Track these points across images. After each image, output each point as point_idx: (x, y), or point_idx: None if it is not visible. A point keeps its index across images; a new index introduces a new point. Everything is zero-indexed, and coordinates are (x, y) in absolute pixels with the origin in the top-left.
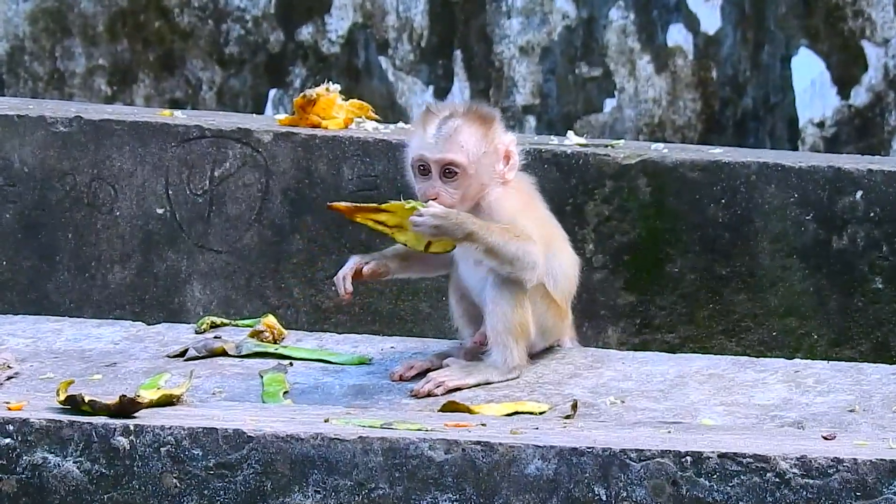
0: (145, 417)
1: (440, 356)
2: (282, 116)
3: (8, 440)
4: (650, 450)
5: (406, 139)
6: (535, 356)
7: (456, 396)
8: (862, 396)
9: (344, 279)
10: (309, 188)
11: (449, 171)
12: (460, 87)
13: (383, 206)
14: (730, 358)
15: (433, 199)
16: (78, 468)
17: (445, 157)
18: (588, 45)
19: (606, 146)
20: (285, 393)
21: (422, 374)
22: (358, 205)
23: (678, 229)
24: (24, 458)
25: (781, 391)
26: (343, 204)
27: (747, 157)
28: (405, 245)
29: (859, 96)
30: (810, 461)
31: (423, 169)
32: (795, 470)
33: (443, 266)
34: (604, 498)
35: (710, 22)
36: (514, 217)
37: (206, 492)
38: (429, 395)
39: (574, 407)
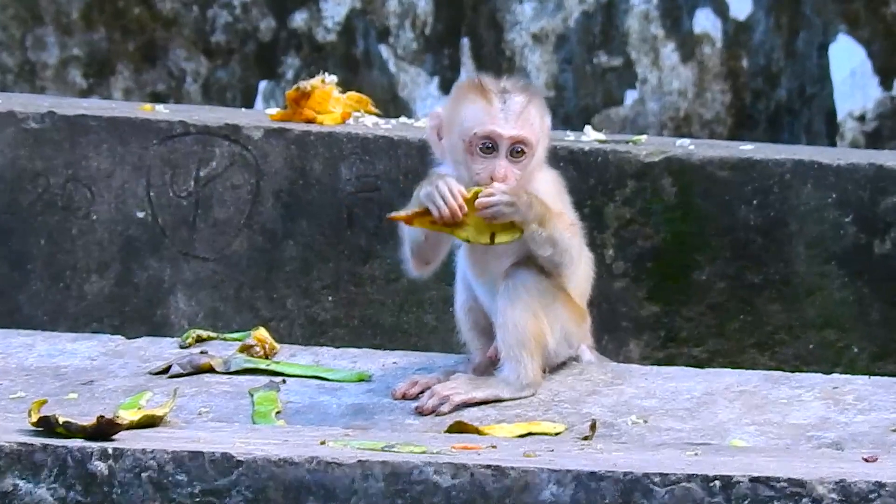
0: (125, 440)
1: (447, 372)
2: (273, 111)
3: None
4: (676, 473)
5: (445, 115)
6: (551, 370)
7: (464, 416)
8: None
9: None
10: (303, 189)
11: (517, 151)
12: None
13: None
14: (762, 373)
15: (500, 181)
16: (52, 496)
17: (520, 134)
18: (607, 33)
19: (628, 142)
20: (278, 413)
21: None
22: (416, 210)
23: (706, 233)
24: None
25: (819, 409)
26: (402, 214)
27: (781, 155)
28: (467, 241)
29: None
30: (850, 486)
31: (488, 147)
32: (834, 495)
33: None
34: None
35: (741, 6)
36: (556, 203)
37: None
38: (434, 412)
39: (593, 427)
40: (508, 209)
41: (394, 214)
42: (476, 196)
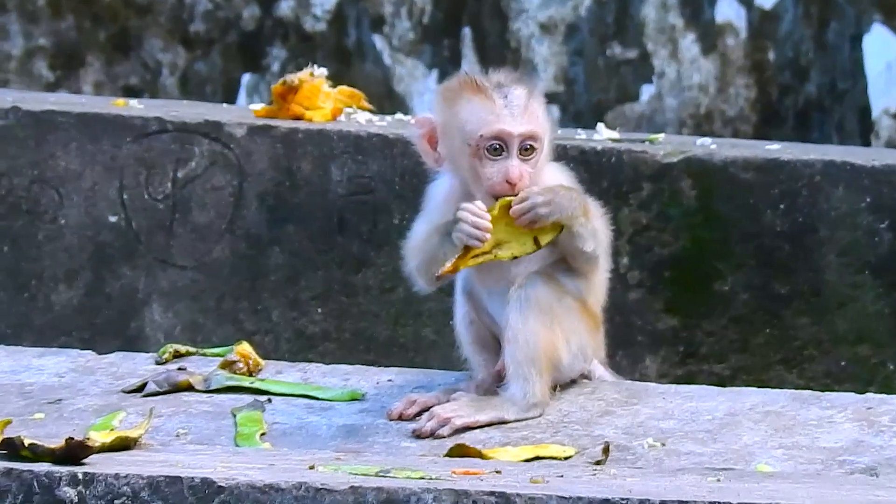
0: (96, 464)
1: (448, 391)
2: (258, 107)
3: None
4: (696, 501)
5: (439, 120)
6: (561, 388)
7: (465, 438)
8: None
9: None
10: (290, 192)
11: (527, 147)
12: (470, 72)
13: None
14: (790, 392)
15: (515, 182)
16: None
17: (530, 129)
18: (622, 22)
19: (644, 141)
20: (262, 435)
21: (425, 412)
22: (456, 257)
23: (729, 240)
24: None
25: (851, 431)
26: (447, 267)
27: (810, 155)
28: (513, 258)
29: None
30: None
31: (496, 148)
32: None
33: None
34: None
35: None
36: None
37: None
38: (433, 435)
39: (606, 451)
40: (547, 209)
41: (440, 272)
42: (504, 207)
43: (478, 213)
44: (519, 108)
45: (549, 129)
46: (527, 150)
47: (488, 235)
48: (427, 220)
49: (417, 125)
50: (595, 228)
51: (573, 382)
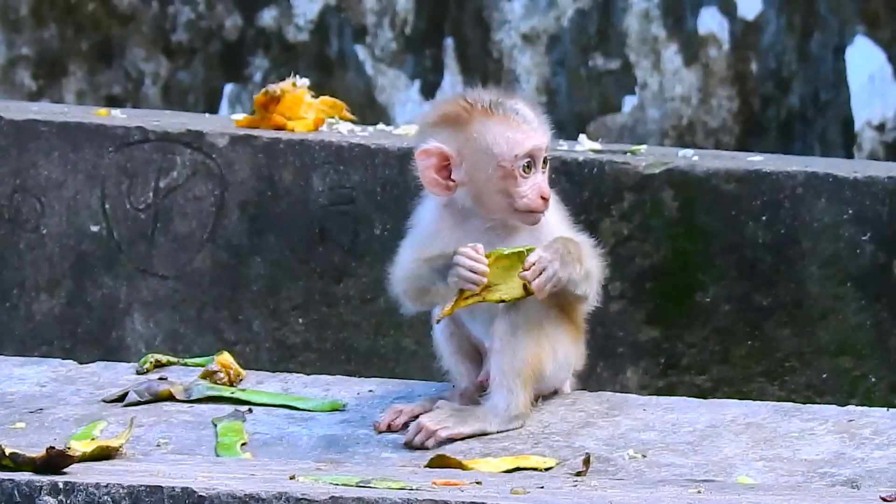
0: (77, 473)
1: (432, 400)
2: (240, 116)
3: None
4: None
5: (457, 149)
6: (543, 399)
7: (446, 449)
8: None
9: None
10: (272, 202)
11: (545, 161)
12: (452, 82)
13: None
14: (772, 404)
15: (548, 197)
16: None
17: (549, 142)
18: (604, 33)
19: (626, 152)
20: (243, 445)
21: (411, 422)
22: (453, 300)
23: (710, 252)
24: None
25: (833, 444)
26: (445, 309)
27: (793, 166)
28: (502, 302)
29: None
30: None
31: (527, 166)
32: None
33: None
34: None
35: (750, 5)
36: (564, 219)
37: None
38: (422, 445)
39: (586, 462)
40: (565, 273)
41: (439, 318)
42: (498, 258)
43: (475, 258)
44: (535, 122)
45: None
46: (544, 164)
47: (485, 279)
48: (415, 246)
49: (425, 156)
50: (588, 271)
51: (554, 393)
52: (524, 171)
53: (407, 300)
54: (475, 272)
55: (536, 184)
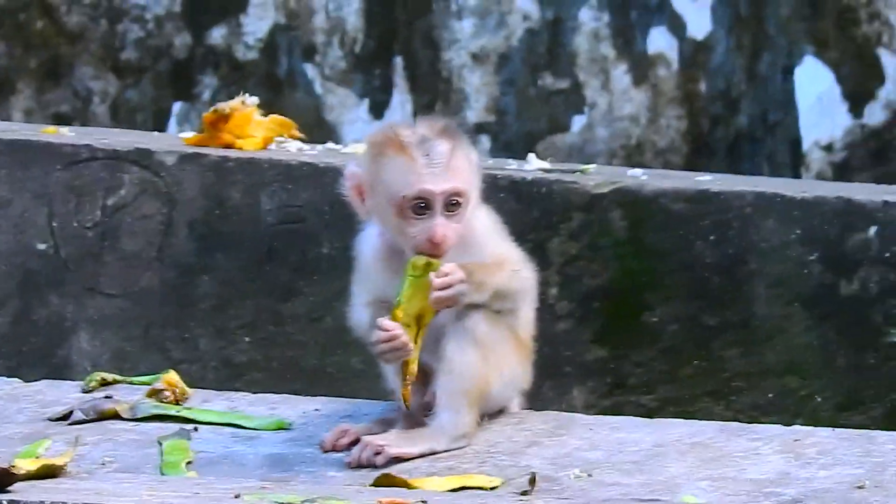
0: (21, 492)
1: (378, 422)
2: (189, 135)
3: None
4: None
5: (365, 175)
6: (489, 418)
7: (392, 468)
8: (873, 470)
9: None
10: (220, 220)
11: (453, 203)
12: (401, 101)
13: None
14: (718, 424)
15: (440, 242)
16: None
17: (453, 187)
18: (554, 52)
19: (574, 172)
20: (189, 463)
21: (357, 443)
22: (403, 381)
23: (659, 271)
24: None
25: (778, 464)
26: (403, 391)
27: (741, 186)
28: (397, 320)
29: (874, 114)
30: None
31: (421, 207)
32: None
33: None
34: None
35: (699, 25)
36: (498, 241)
37: None
38: (368, 465)
39: (532, 481)
40: (461, 297)
41: (405, 404)
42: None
43: (391, 336)
44: (442, 165)
45: (475, 181)
46: (452, 206)
47: (411, 348)
48: (362, 282)
49: (347, 178)
50: (501, 292)
51: (500, 412)
52: (416, 212)
53: (365, 339)
54: (398, 349)
55: (428, 227)
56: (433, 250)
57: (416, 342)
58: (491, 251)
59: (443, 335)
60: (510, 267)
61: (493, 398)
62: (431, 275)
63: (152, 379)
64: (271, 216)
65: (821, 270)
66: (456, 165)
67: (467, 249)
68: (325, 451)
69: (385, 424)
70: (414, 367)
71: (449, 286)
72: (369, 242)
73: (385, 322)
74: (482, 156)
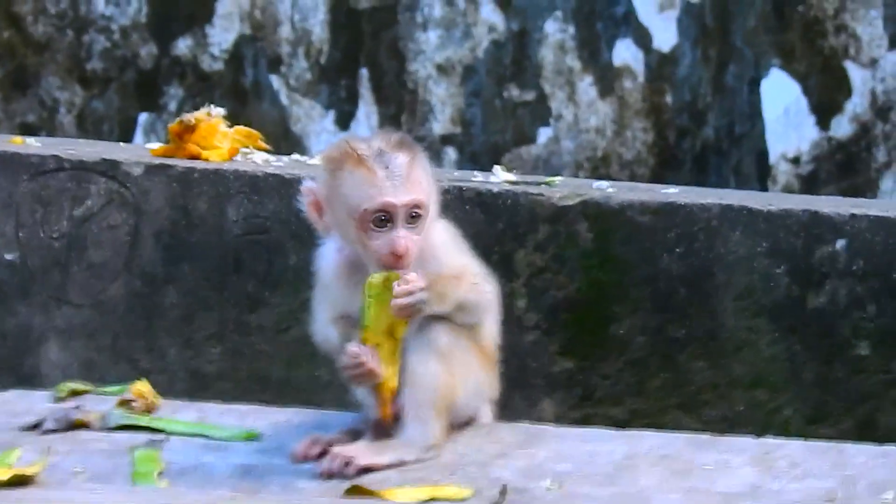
0: None
1: (348, 432)
2: (155, 146)
3: None
4: None
5: (322, 191)
6: (458, 428)
7: (363, 479)
8: (844, 482)
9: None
10: (187, 231)
11: (413, 216)
12: (367, 112)
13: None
14: (687, 436)
15: (402, 253)
16: None
17: (414, 199)
18: (519, 64)
19: (540, 184)
20: (160, 473)
21: (326, 453)
22: (379, 400)
23: (625, 283)
24: None
25: (748, 476)
26: (383, 413)
27: (708, 199)
28: (366, 342)
29: (841, 127)
30: None
31: (382, 220)
32: None
33: None
34: None
35: (665, 37)
36: (457, 254)
37: None
38: (339, 475)
39: (503, 492)
40: (421, 306)
41: (386, 423)
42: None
43: (358, 363)
44: (401, 178)
45: (433, 193)
46: (413, 218)
47: (379, 372)
48: (323, 297)
49: (304, 194)
50: (462, 305)
51: (469, 423)
52: (377, 226)
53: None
54: (366, 375)
55: (390, 239)
56: (396, 263)
57: (394, 355)
58: (449, 263)
59: (406, 348)
60: (469, 279)
61: (460, 408)
62: (394, 283)
63: (122, 389)
64: (237, 227)
65: (788, 283)
66: (415, 177)
67: (426, 262)
68: (297, 462)
69: (354, 435)
70: (394, 382)
71: (410, 293)
72: (328, 258)
73: (352, 348)
74: (448, 168)
